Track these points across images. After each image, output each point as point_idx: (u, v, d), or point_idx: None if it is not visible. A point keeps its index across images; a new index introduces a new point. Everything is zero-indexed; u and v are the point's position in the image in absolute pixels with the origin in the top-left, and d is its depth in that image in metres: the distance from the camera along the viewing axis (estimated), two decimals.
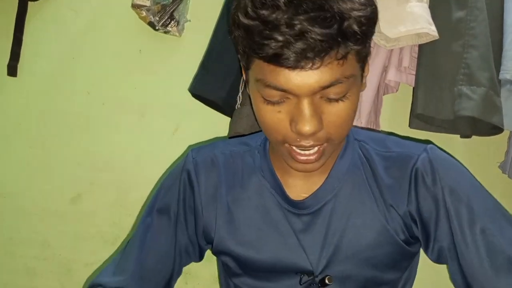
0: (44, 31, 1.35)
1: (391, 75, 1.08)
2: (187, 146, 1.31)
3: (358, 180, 0.69)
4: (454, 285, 0.67)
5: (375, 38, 1.02)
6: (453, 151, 1.33)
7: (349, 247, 0.68)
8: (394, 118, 1.27)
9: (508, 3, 1.02)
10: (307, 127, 0.56)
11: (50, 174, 1.35)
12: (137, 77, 1.34)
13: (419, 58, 1.06)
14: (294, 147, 0.60)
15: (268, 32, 0.52)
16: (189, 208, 0.75)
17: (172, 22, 1.27)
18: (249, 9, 0.54)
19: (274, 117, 0.59)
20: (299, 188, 0.71)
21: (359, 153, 0.71)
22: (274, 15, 0.52)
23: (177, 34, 1.29)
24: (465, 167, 0.70)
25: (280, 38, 0.52)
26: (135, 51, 1.34)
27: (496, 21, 1.02)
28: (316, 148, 0.60)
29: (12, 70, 1.33)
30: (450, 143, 1.27)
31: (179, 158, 1.27)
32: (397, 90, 1.18)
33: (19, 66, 1.34)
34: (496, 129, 1.03)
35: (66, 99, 1.35)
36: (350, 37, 0.53)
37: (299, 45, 0.51)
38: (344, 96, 0.57)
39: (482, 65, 0.97)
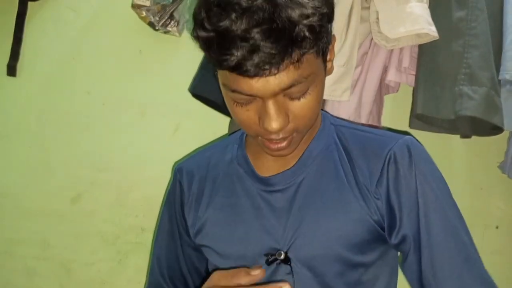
0: (44, 31, 1.35)
1: (391, 76, 1.08)
2: (187, 146, 1.31)
3: (330, 162, 0.71)
4: (406, 275, 0.68)
5: (375, 38, 1.02)
6: (453, 151, 1.34)
7: (317, 224, 0.68)
8: (394, 118, 1.27)
9: (508, 4, 1.02)
10: (273, 125, 0.60)
11: (50, 174, 1.35)
12: (137, 77, 1.34)
13: (419, 58, 1.06)
14: (266, 141, 0.64)
15: (225, 45, 0.55)
16: (181, 212, 0.81)
17: (172, 22, 1.27)
18: (205, 22, 0.56)
19: (244, 115, 0.63)
20: (271, 168, 0.73)
21: (334, 136, 0.74)
22: (229, 28, 0.54)
23: (177, 34, 1.29)
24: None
25: (236, 53, 0.54)
26: (135, 51, 1.34)
27: (496, 22, 1.02)
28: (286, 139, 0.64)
29: (11, 70, 1.33)
30: (450, 143, 1.28)
31: (179, 158, 1.28)
32: (397, 90, 1.18)
33: (19, 66, 1.34)
34: (497, 130, 1.03)
35: (66, 99, 1.35)
36: (303, 43, 0.56)
37: (255, 58, 0.54)
38: (305, 93, 0.61)
39: (483, 65, 0.97)
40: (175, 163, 1.27)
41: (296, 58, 0.56)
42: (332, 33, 0.66)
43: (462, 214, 0.68)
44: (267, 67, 0.55)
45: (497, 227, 1.34)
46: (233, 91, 0.60)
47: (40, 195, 1.35)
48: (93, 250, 1.35)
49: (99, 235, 1.35)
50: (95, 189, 1.35)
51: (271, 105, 0.59)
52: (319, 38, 0.58)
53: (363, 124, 1.06)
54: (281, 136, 0.63)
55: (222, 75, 0.61)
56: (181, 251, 0.82)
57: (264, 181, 0.72)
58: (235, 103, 0.63)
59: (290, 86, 0.58)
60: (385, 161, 0.68)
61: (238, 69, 0.56)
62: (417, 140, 0.71)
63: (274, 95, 0.59)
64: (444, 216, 0.66)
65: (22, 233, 1.35)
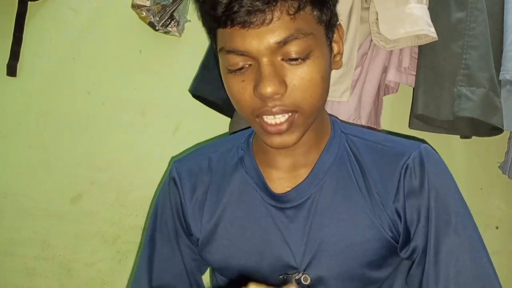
0: (44, 31, 1.35)
1: (391, 76, 1.08)
2: (187, 146, 1.31)
3: (344, 174, 0.68)
4: (408, 286, 0.67)
5: (375, 39, 1.02)
6: (453, 151, 1.34)
7: (335, 242, 0.66)
8: (394, 118, 1.27)
9: (509, 4, 1.01)
10: (268, 88, 0.55)
11: (50, 174, 1.35)
12: (137, 77, 1.34)
13: (419, 58, 1.06)
14: (264, 118, 0.60)
15: None
16: (182, 215, 0.75)
17: (172, 22, 1.27)
18: None
19: (239, 86, 0.59)
20: (283, 181, 0.69)
21: (345, 146, 0.70)
22: None
23: (177, 34, 1.29)
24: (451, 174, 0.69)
25: None
26: (135, 51, 1.34)
27: (496, 22, 1.02)
28: (285, 116, 0.59)
29: (11, 70, 1.33)
30: (450, 143, 1.28)
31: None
32: (397, 91, 1.18)
33: (19, 66, 1.34)
34: (496, 130, 1.03)
35: (66, 99, 1.35)
36: None
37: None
38: (306, 56, 0.57)
39: (482, 66, 0.97)
40: None
41: (292, 8, 0.54)
42: (338, 21, 0.64)
43: (477, 227, 0.65)
44: (259, 4, 0.53)
45: (497, 227, 1.34)
46: (228, 51, 0.58)
47: (40, 195, 1.35)
48: (93, 250, 1.35)
49: (99, 235, 1.35)
50: (95, 189, 1.35)
51: (265, 66, 0.56)
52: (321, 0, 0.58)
53: (371, 128, 1.06)
54: (277, 107, 0.58)
55: (219, 41, 0.60)
56: (181, 260, 0.76)
57: (277, 198, 0.68)
58: (230, 72, 0.59)
59: (285, 41, 0.55)
60: (400, 177, 0.65)
61: (230, 13, 0.54)
62: (432, 147, 0.68)
63: (269, 52, 0.56)
64: (455, 234, 0.63)
65: (22, 233, 1.36)
